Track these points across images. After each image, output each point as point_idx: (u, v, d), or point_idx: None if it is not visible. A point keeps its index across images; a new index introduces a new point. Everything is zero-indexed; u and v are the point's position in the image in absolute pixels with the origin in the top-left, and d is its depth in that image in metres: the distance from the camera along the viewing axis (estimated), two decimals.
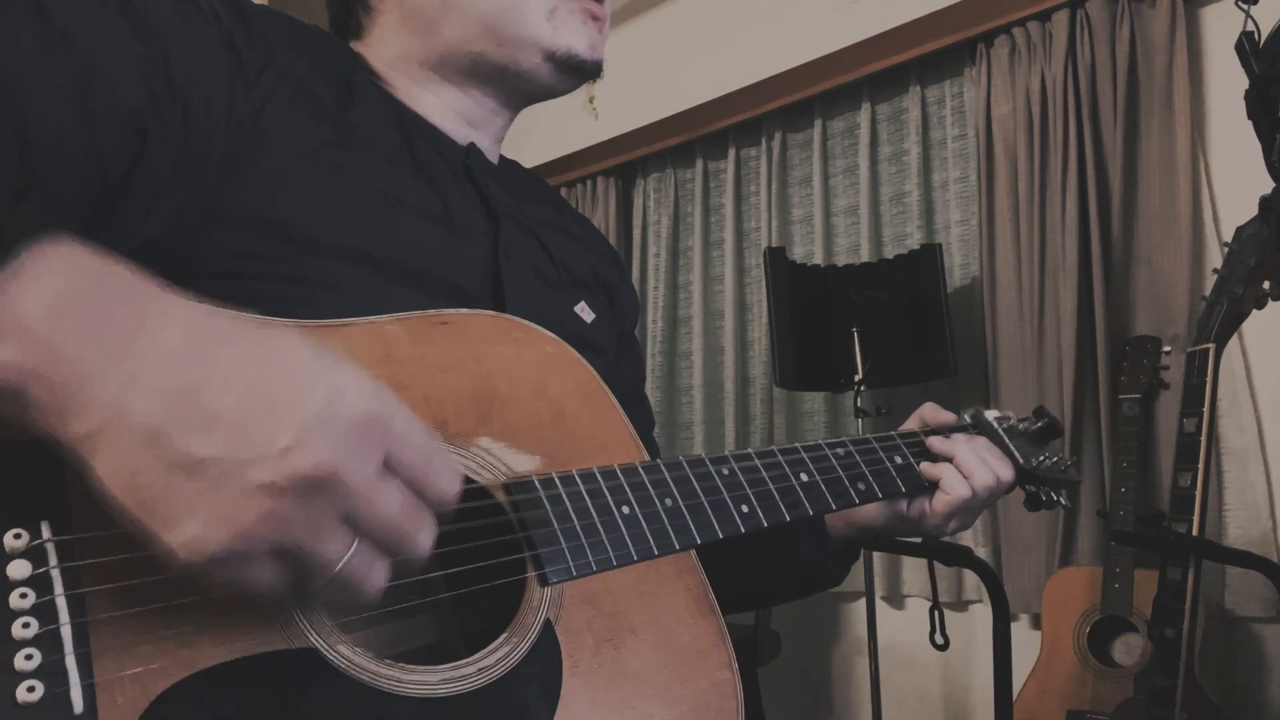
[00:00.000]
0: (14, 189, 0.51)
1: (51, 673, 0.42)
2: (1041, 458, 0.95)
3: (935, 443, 0.87)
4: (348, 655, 0.50)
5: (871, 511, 0.88)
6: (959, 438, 0.88)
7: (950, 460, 0.86)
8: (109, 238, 0.57)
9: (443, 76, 0.80)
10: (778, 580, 0.92)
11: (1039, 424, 0.98)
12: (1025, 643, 2.26)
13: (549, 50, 0.78)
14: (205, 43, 0.63)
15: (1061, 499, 0.97)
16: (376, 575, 0.46)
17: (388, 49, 0.81)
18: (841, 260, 2.84)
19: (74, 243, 0.44)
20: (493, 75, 0.80)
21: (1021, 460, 0.92)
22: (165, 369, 0.42)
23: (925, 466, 0.85)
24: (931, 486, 0.85)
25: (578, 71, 0.80)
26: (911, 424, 0.93)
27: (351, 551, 0.45)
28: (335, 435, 0.43)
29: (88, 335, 0.42)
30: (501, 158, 0.89)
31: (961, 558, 1.61)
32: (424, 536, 0.47)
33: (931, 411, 0.93)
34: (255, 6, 0.69)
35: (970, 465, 0.85)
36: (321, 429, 0.43)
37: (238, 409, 0.42)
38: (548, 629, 0.58)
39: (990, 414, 0.95)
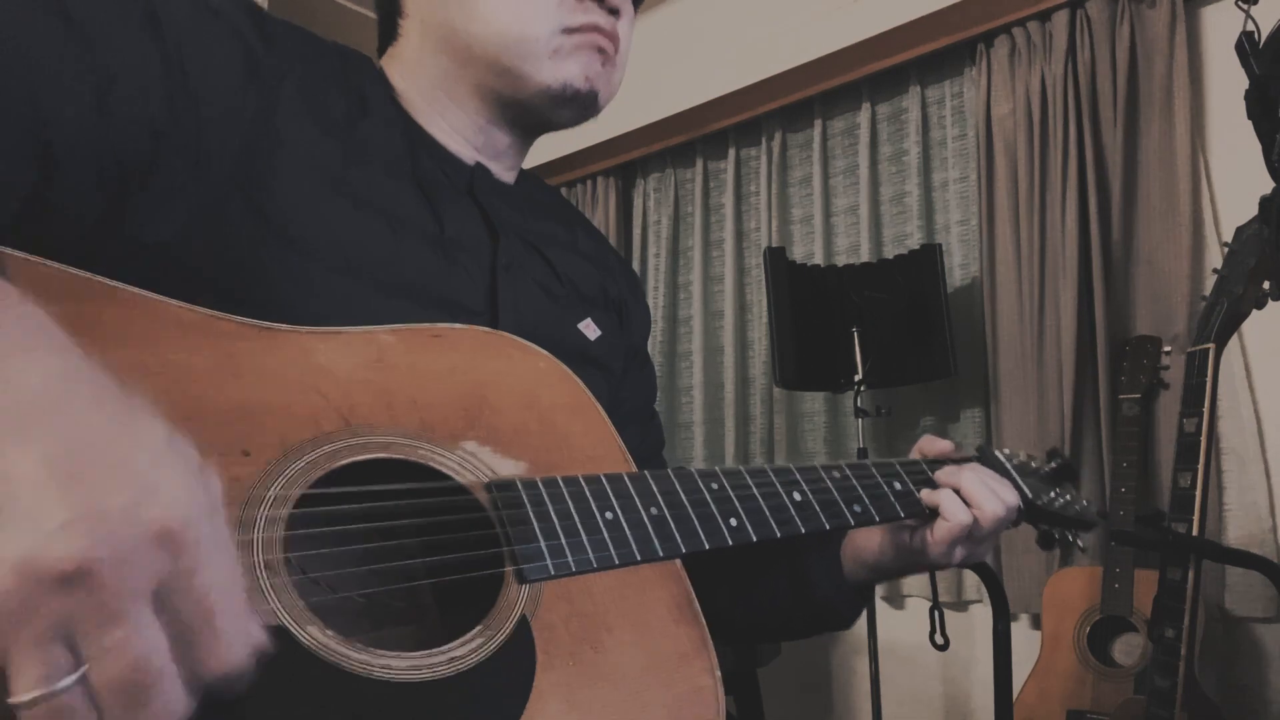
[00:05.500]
0: (36, 177, 0.53)
1: None
2: (1053, 495, 0.92)
3: (942, 474, 0.84)
4: (317, 636, 0.51)
5: (877, 548, 0.86)
6: (965, 467, 0.86)
7: (955, 488, 0.83)
8: (121, 237, 0.59)
9: (450, 98, 0.81)
10: (790, 608, 0.90)
11: (1051, 465, 0.96)
12: (1025, 643, 2.26)
13: (545, 85, 0.78)
14: (224, 54, 0.64)
15: (1079, 540, 0.94)
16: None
17: (408, 63, 0.82)
18: (841, 260, 2.84)
19: None
20: (495, 103, 0.81)
21: (1031, 495, 0.89)
22: None
23: (926, 493, 0.83)
24: (933, 514, 0.83)
25: (573, 102, 0.79)
26: (912, 456, 0.91)
27: (70, 680, 0.35)
28: (118, 534, 0.35)
29: None
30: (522, 173, 0.90)
31: None
32: (164, 710, 0.37)
33: (929, 442, 0.92)
34: (277, 21, 0.71)
35: (973, 491, 0.82)
36: (107, 522, 0.35)
37: (31, 474, 0.35)
38: (523, 624, 0.58)
39: (1000, 451, 0.93)
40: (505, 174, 0.86)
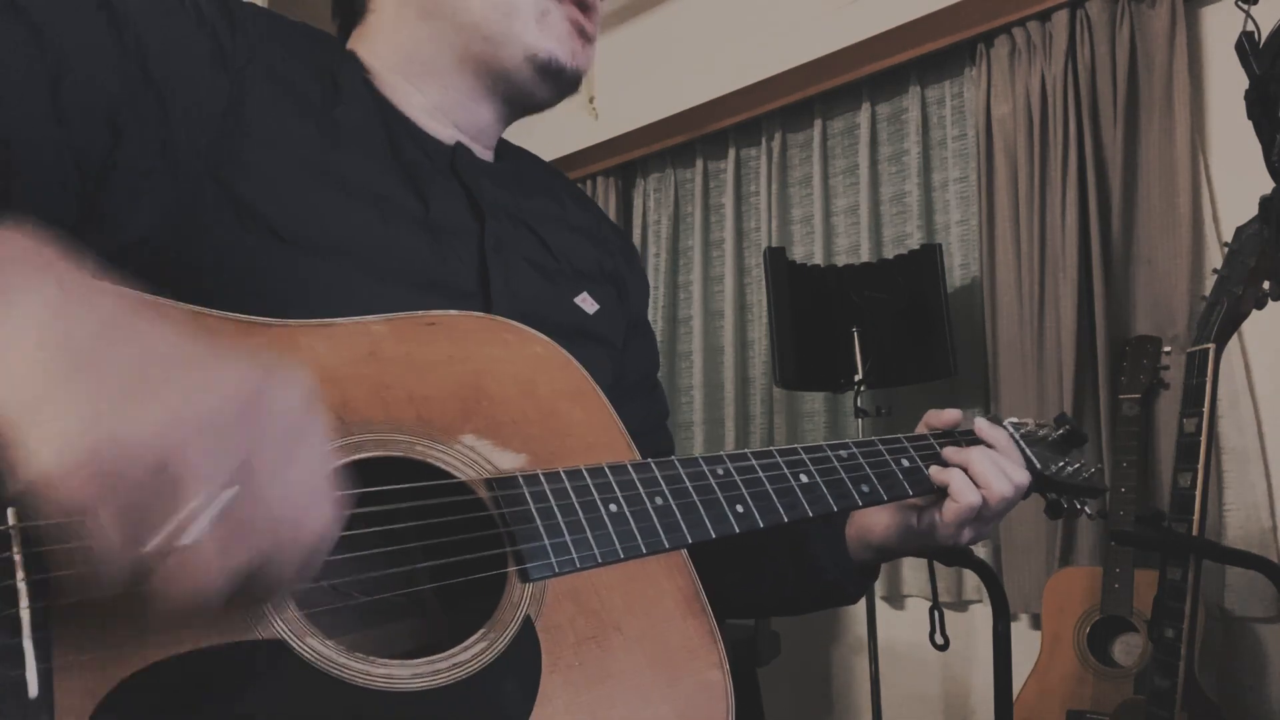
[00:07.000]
0: None
1: (8, 655, 0.42)
2: (1062, 464, 0.91)
3: (950, 452, 0.83)
4: (316, 648, 0.50)
5: (884, 529, 0.85)
6: (974, 444, 0.84)
7: (963, 467, 0.81)
8: (101, 234, 0.57)
9: (429, 72, 0.80)
10: (795, 590, 0.89)
11: (1060, 431, 0.95)
12: (1025, 643, 2.26)
13: (531, 51, 0.78)
14: (185, 37, 0.63)
15: (1086, 508, 0.93)
16: (213, 574, 0.41)
17: (382, 37, 0.80)
18: (841, 260, 2.84)
19: None
20: (477, 73, 0.80)
21: (1040, 466, 0.88)
22: (39, 336, 0.40)
23: (934, 471, 0.81)
24: (941, 494, 0.81)
25: (557, 78, 0.80)
26: (919, 431, 0.89)
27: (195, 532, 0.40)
28: (202, 410, 0.40)
29: None
30: (504, 147, 0.88)
31: (961, 558, 1.61)
32: (311, 531, 0.43)
33: (935, 415, 0.89)
34: (243, 3, 0.70)
35: (982, 471, 0.80)
36: (191, 402, 0.40)
37: (120, 372, 0.40)
38: (527, 625, 0.57)
39: (1008, 421, 0.92)
40: (485, 153, 0.85)
